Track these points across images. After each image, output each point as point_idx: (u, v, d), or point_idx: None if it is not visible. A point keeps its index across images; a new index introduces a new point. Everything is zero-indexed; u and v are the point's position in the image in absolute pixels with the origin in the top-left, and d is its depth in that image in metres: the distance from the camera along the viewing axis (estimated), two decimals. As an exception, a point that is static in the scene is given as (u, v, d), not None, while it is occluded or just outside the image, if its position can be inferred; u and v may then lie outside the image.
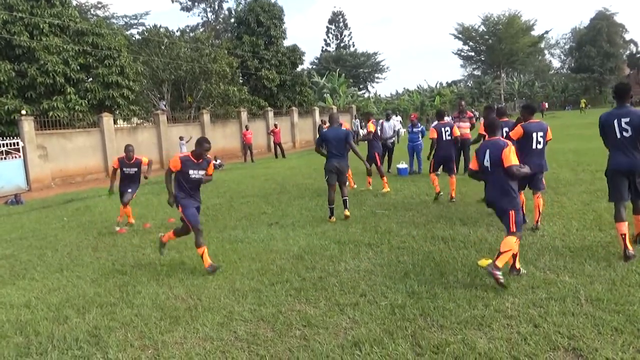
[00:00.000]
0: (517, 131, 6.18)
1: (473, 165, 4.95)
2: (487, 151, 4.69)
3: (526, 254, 5.20)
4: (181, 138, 22.58)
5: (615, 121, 4.87)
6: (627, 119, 4.80)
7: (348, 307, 4.17)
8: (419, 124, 13.55)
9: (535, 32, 65.71)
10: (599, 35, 63.17)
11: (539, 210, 6.27)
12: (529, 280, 4.45)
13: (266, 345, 3.61)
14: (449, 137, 8.81)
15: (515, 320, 3.70)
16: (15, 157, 17.17)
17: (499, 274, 4.22)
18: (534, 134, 6.08)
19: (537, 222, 6.26)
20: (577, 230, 6.03)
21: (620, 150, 4.89)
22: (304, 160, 20.40)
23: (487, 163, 4.69)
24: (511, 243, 4.38)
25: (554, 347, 3.29)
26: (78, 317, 4.42)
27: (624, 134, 4.83)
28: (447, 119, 10.93)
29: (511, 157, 4.52)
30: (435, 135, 8.80)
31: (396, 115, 18.20)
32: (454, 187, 8.63)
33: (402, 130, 28.92)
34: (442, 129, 8.78)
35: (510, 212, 4.51)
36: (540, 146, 6.12)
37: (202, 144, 5.59)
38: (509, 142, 4.72)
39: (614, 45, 64.89)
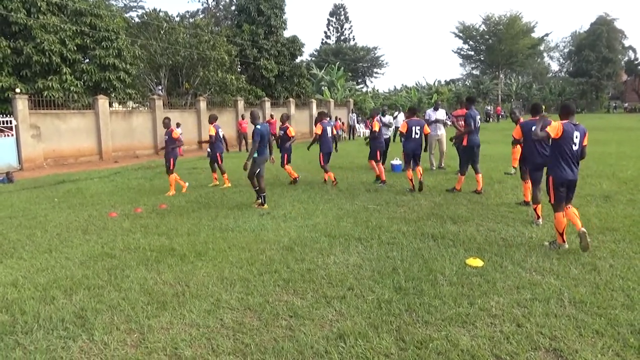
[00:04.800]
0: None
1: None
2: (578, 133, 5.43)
3: (514, 255, 5.26)
4: (178, 125, 22.52)
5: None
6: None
7: (335, 300, 4.20)
8: None
9: (536, 34, 65.74)
10: (599, 40, 63.22)
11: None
12: (515, 281, 4.50)
13: (252, 334, 3.64)
14: (418, 135, 9.57)
15: (499, 319, 3.75)
16: (8, 135, 17.03)
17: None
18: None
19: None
20: (565, 234, 6.08)
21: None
22: (299, 152, 20.32)
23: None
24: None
25: (535, 347, 3.34)
26: (65, 298, 4.42)
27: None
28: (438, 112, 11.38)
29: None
30: (405, 130, 9.58)
31: (399, 112, 18.00)
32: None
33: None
34: (414, 126, 9.51)
35: None
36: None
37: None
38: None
39: (613, 51, 64.99)
